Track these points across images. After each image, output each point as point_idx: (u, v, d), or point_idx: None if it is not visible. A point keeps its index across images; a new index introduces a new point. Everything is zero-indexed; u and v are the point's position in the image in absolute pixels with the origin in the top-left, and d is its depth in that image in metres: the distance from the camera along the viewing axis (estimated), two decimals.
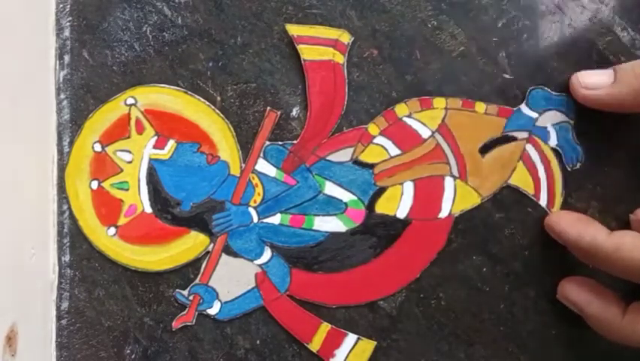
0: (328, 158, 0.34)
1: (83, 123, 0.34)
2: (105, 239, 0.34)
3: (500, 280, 0.35)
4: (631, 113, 0.32)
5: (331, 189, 0.34)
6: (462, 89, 0.34)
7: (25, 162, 0.34)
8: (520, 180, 0.34)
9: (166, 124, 0.34)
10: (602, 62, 0.34)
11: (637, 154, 0.34)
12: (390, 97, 0.34)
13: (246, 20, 0.34)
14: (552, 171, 0.35)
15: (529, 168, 0.35)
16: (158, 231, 0.34)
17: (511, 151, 0.35)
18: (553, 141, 0.35)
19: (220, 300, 0.34)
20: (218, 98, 0.34)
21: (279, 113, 0.34)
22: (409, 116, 0.34)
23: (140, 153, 0.34)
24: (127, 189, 0.34)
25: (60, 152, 0.34)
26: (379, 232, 0.34)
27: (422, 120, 0.34)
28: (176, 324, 0.34)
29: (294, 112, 0.34)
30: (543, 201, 0.34)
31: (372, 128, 0.34)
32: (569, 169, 0.35)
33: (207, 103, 0.34)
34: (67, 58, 0.34)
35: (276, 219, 0.34)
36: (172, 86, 0.34)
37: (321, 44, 0.34)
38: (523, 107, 0.35)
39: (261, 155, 0.34)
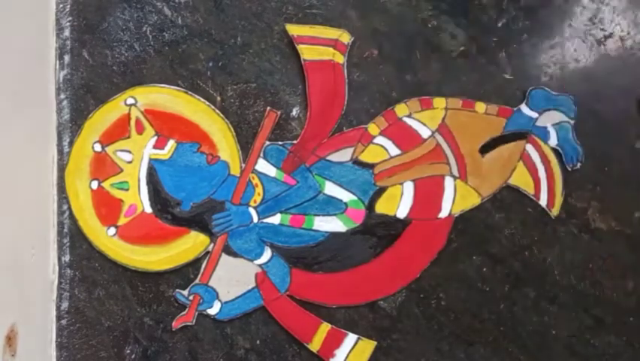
0: (328, 158, 0.34)
1: (83, 123, 0.34)
2: (105, 239, 0.34)
3: (500, 280, 0.35)
4: None
5: (331, 189, 0.34)
6: (462, 89, 0.34)
7: (25, 162, 0.34)
8: (520, 180, 0.34)
9: (166, 124, 0.34)
10: (602, 62, 0.34)
11: (637, 154, 0.34)
12: (390, 97, 0.34)
13: (246, 20, 0.34)
14: (552, 171, 0.35)
15: (529, 168, 0.35)
16: (158, 231, 0.34)
17: (511, 151, 0.35)
18: (553, 141, 0.35)
19: (220, 300, 0.34)
20: (218, 98, 0.34)
21: (279, 113, 0.34)
22: (409, 116, 0.34)
23: (140, 153, 0.34)
24: (127, 189, 0.34)
25: (60, 152, 0.34)
26: (379, 232, 0.34)
27: (422, 120, 0.34)
28: (176, 324, 0.34)
29: (294, 112, 0.34)
30: (543, 201, 0.34)
31: (372, 128, 0.34)
32: (569, 169, 0.35)
33: (207, 103, 0.34)
34: (67, 58, 0.34)
35: (276, 220, 0.34)
36: (172, 86, 0.34)
37: (321, 44, 0.34)
38: (523, 107, 0.35)
39: (261, 155, 0.34)
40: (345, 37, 0.34)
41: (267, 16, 0.34)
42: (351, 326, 0.34)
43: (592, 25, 0.34)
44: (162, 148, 0.34)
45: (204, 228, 0.34)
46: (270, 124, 0.34)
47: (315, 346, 0.34)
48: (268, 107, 0.34)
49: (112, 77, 0.34)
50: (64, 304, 0.34)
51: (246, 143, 0.34)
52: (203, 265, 0.34)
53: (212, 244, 0.34)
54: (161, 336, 0.34)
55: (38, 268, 0.34)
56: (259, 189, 0.34)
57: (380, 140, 0.34)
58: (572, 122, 0.34)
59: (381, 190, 0.34)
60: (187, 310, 0.34)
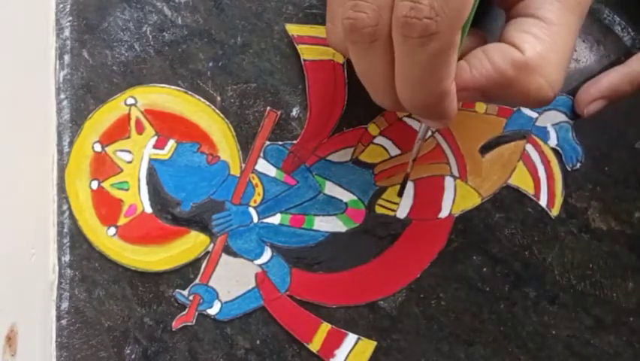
0: (328, 158, 0.34)
1: (83, 123, 0.34)
2: (105, 239, 0.34)
3: (500, 280, 0.35)
4: None
5: (331, 189, 0.34)
6: None
7: (25, 162, 0.34)
8: (520, 180, 0.34)
9: (166, 124, 0.34)
10: (602, 62, 0.34)
11: (637, 154, 0.34)
12: None
13: (246, 20, 0.34)
14: (552, 171, 0.35)
15: (529, 168, 0.35)
16: (158, 231, 0.34)
17: (511, 151, 0.35)
18: (553, 141, 0.35)
19: (220, 300, 0.34)
20: (218, 98, 0.34)
21: (279, 113, 0.34)
22: (409, 116, 0.34)
23: (140, 153, 0.34)
24: (127, 189, 0.34)
25: (60, 152, 0.34)
26: (379, 232, 0.34)
27: None
28: (176, 324, 0.34)
29: (294, 112, 0.34)
30: (543, 201, 0.34)
31: (372, 129, 0.34)
32: (568, 169, 0.35)
33: (207, 103, 0.34)
34: (67, 58, 0.34)
35: (276, 220, 0.34)
36: (172, 86, 0.34)
37: (321, 44, 0.34)
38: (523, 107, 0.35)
39: (261, 155, 0.34)
40: None
41: (267, 16, 0.34)
42: (351, 326, 0.34)
43: (592, 25, 0.34)
44: (162, 148, 0.34)
45: (204, 228, 0.34)
46: (270, 124, 0.34)
47: (315, 346, 0.34)
48: (268, 107, 0.34)
49: (112, 77, 0.34)
50: (64, 304, 0.34)
51: (245, 143, 0.34)
52: (203, 265, 0.34)
53: (212, 244, 0.34)
54: (161, 336, 0.34)
55: (38, 268, 0.34)
56: (259, 189, 0.34)
57: (380, 140, 0.34)
58: (572, 122, 0.34)
59: (381, 190, 0.34)
60: (187, 310, 0.34)
